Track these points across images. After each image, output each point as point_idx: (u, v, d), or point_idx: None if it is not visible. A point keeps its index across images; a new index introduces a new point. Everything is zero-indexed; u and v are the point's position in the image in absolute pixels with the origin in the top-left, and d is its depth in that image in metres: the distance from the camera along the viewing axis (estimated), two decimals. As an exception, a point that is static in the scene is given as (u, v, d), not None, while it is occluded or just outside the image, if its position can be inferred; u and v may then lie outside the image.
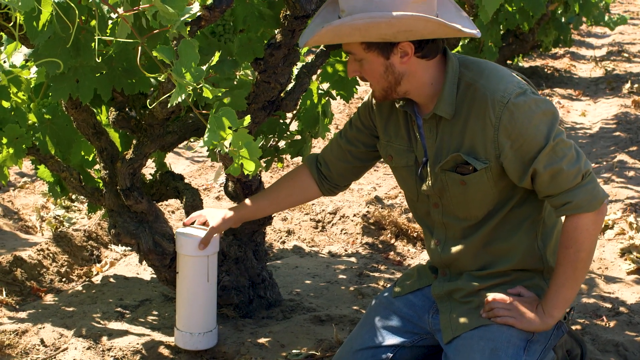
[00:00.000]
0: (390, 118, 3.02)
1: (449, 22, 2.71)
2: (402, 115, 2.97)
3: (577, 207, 2.77)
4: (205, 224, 3.23)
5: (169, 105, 2.33)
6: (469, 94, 2.79)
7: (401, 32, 2.66)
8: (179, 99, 2.30)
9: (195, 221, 3.26)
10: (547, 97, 9.68)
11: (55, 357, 3.31)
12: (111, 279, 4.25)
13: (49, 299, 4.06)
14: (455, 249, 2.99)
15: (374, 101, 3.05)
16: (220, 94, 2.43)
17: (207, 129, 2.36)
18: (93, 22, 2.71)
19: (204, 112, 2.47)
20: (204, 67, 2.35)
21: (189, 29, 2.59)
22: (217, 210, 3.25)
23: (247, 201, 3.26)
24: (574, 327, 3.61)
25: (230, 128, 2.38)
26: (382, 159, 3.16)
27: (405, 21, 2.63)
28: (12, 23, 2.59)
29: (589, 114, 9.23)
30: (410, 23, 2.64)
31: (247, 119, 2.39)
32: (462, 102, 2.80)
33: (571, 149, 2.77)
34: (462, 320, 2.94)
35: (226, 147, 2.38)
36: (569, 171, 2.75)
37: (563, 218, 2.85)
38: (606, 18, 11.10)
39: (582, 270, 2.85)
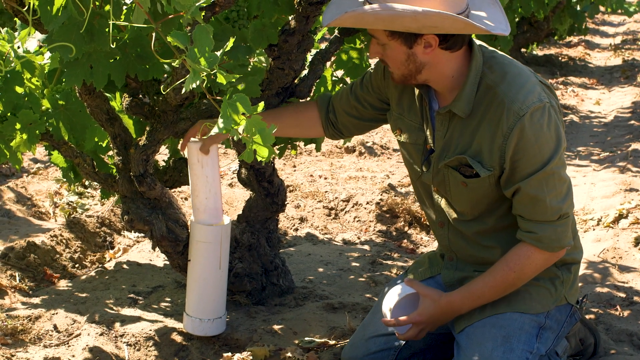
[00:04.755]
0: (406, 90, 2.98)
1: (477, 13, 2.68)
2: (419, 91, 2.94)
3: (538, 242, 2.77)
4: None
5: (183, 90, 2.32)
6: (487, 97, 2.75)
7: (426, 27, 2.62)
8: (193, 85, 2.29)
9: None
10: (562, 86, 9.65)
11: (68, 343, 3.32)
12: (124, 266, 4.25)
13: (62, 284, 4.07)
14: (460, 235, 2.98)
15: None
16: (234, 80, 2.41)
17: (220, 115, 2.35)
18: (107, 7, 2.70)
19: (217, 98, 2.45)
20: (218, 53, 2.33)
21: (203, 14, 2.58)
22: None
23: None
24: (587, 317, 3.59)
25: (243, 114, 2.37)
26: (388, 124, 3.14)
27: (431, 17, 2.58)
28: (26, 8, 2.58)
29: (604, 103, 9.19)
30: (436, 20, 2.59)
31: (261, 106, 2.38)
32: (479, 104, 2.77)
33: (563, 186, 2.75)
34: (475, 309, 2.93)
35: (239, 134, 2.37)
36: (550, 206, 2.73)
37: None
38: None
39: (508, 292, 2.88)
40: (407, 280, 2.99)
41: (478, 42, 2.85)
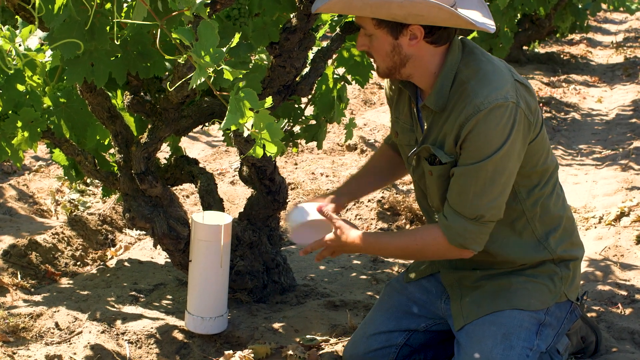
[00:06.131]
0: (401, 94, 3.02)
1: (464, 12, 2.69)
2: (408, 95, 2.96)
3: (445, 228, 2.80)
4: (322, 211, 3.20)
5: (190, 87, 2.31)
6: (459, 92, 2.77)
7: (412, 15, 2.65)
8: (199, 81, 2.28)
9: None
10: (564, 84, 9.65)
11: (69, 341, 3.32)
12: (125, 263, 4.26)
13: (63, 282, 4.07)
14: None
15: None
16: (241, 76, 2.40)
17: (227, 111, 2.34)
18: (108, 5, 2.70)
19: (224, 93, 2.44)
20: (224, 49, 2.33)
21: (207, 10, 2.58)
22: (331, 198, 3.18)
23: (352, 185, 3.27)
24: (589, 315, 3.59)
25: (251, 109, 2.36)
26: None
27: (417, 5, 2.62)
28: (30, 5, 2.58)
29: (605, 101, 9.18)
30: (422, 8, 2.62)
31: (269, 101, 2.37)
32: (452, 98, 2.79)
33: (494, 190, 2.73)
34: (474, 307, 2.94)
35: (248, 129, 2.36)
36: (470, 201, 2.74)
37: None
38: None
39: (408, 259, 3.04)
40: (321, 207, 3.05)
41: (461, 37, 2.86)
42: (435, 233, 2.83)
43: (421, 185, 2.98)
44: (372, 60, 2.91)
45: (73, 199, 5.42)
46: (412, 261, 3.21)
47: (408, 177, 5.85)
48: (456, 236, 2.78)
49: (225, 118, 2.34)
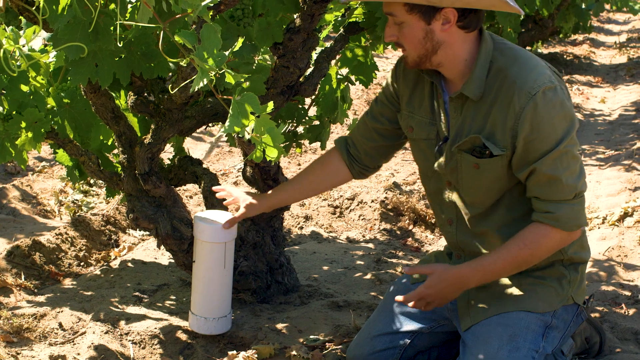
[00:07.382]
0: (416, 88, 2.98)
1: None
2: (428, 87, 2.94)
3: (555, 221, 2.76)
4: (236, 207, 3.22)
5: (192, 90, 2.31)
6: (498, 80, 2.76)
7: None
8: (201, 84, 2.28)
9: (220, 198, 3.26)
10: (567, 84, 9.64)
11: (73, 341, 3.32)
12: (129, 264, 4.26)
13: (67, 283, 4.07)
14: (469, 232, 2.98)
15: (401, 69, 3.01)
16: (242, 79, 2.41)
17: (229, 115, 2.34)
18: (112, 6, 2.70)
19: (225, 97, 2.44)
20: (227, 52, 2.33)
21: (211, 13, 2.58)
22: (250, 195, 3.23)
23: (280, 188, 3.25)
24: (592, 315, 3.59)
25: (252, 114, 2.36)
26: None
27: None
28: (35, 7, 2.58)
29: (609, 101, 9.18)
30: None
31: (270, 105, 2.37)
32: (490, 86, 2.77)
33: (577, 164, 2.75)
34: (481, 307, 2.93)
35: (248, 134, 2.36)
36: (566, 184, 2.73)
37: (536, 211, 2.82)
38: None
39: (521, 269, 2.87)
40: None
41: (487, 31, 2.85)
42: (544, 230, 2.78)
43: (452, 179, 2.95)
44: (400, 50, 2.85)
45: (76, 200, 5.43)
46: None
47: (411, 178, 5.85)
48: (569, 221, 2.76)
49: (227, 122, 2.34)
